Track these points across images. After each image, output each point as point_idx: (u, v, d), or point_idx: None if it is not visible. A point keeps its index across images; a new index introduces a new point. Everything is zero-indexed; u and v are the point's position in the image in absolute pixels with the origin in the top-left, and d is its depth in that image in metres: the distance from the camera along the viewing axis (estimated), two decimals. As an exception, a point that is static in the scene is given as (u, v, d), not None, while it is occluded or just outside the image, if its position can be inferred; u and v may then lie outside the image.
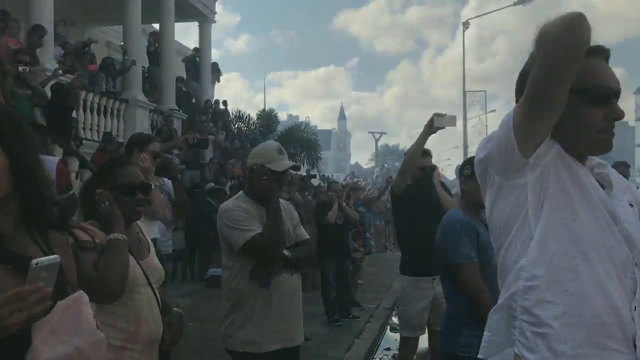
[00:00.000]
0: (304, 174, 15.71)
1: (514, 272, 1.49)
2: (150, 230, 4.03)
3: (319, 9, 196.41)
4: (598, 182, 1.53)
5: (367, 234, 10.22)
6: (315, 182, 15.21)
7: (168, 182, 4.52)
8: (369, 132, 41.56)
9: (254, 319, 2.92)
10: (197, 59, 16.07)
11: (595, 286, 1.42)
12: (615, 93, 1.50)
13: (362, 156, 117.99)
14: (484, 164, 1.55)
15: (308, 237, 3.24)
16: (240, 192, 3.21)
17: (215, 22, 17.24)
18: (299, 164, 17.36)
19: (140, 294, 2.16)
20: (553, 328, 1.42)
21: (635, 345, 1.44)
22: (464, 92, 24.52)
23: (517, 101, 1.50)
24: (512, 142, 1.43)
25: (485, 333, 1.58)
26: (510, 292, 1.49)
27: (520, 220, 1.48)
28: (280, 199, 3.18)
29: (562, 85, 1.37)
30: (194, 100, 15.36)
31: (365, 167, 73.23)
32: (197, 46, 16.56)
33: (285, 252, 2.97)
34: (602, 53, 1.53)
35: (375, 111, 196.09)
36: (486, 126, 32.48)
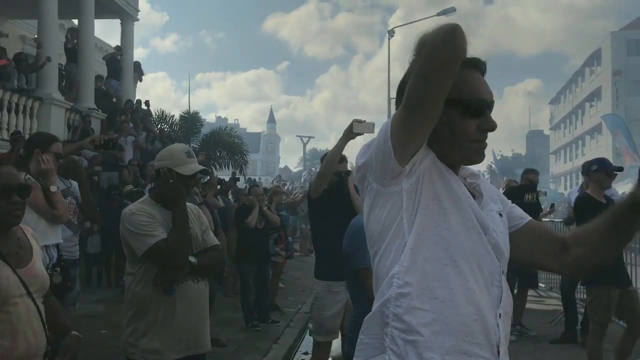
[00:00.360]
0: (229, 177, 15.57)
1: (387, 279, 1.49)
2: (52, 235, 3.87)
3: (248, 12, 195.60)
4: (470, 191, 1.56)
5: (290, 238, 10.21)
6: (241, 185, 15.09)
7: (75, 185, 4.34)
8: (297, 135, 41.68)
9: (157, 327, 2.83)
10: (119, 57, 15.59)
11: (464, 294, 1.44)
12: (489, 105, 1.53)
13: (291, 159, 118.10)
14: (363, 170, 1.55)
15: (217, 242, 3.18)
16: (146, 196, 3.13)
17: (138, 20, 16.79)
18: (211, 167, 17.16)
19: (17, 305, 2.03)
20: (422, 335, 1.43)
21: (499, 352, 1.47)
22: (389, 99, 24.94)
23: (396, 109, 1.51)
24: (389, 150, 1.44)
25: (360, 337, 1.58)
26: (383, 299, 1.49)
27: (394, 227, 1.49)
28: (189, 204, 3.12)
29: (437, 95, 1.38)
30: (114, 100, 14.88)
31: (294, 170, 73.33)
32: (119, 44, 16.07)
33: (191, 259, 2.91)
34: (478, 66, 1.54)
35: (305, 115, 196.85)
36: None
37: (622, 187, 13.26)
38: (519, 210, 1.71)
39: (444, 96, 1.39)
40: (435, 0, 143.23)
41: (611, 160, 5.98)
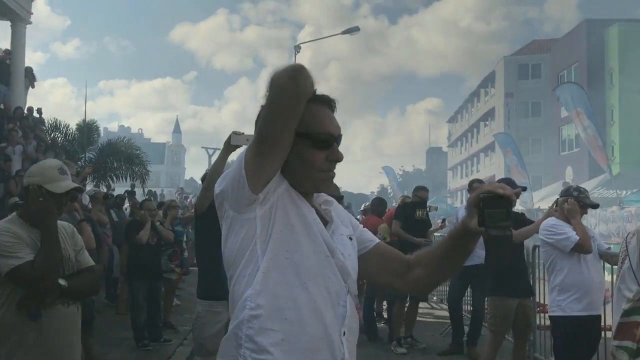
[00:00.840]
0: (128, 189, 15.00)
1: (241, 302, 1.57)
2: None
3: (155, 20, 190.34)
4: (323, 217, 1.69)
5: (186, 253, 9.97)
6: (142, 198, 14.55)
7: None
8: (203, 147, 40.93)
9: (21, 354, 2.66)
10: (8, 61, 14.69)
11: (311, 314, 1.55)
12: (336, 138, 1.65)
13: (198, 171, 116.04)
14: (220, 198, 1.63)
15: (92, 263, 3.04)
16: (14, 214, 2.94)
17: (31, 22, 15.92)
18: (107, 179, 16.52)
19: None
20: (272, 354, 1.51)
21: None
22: (295, 113, 25.18)
23: None
24: (243, 179, 1.53)
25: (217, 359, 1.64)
26: (237, 321, 1.57)
27: (249, 253, 1.57)
28: (62, 222, 2.97)
29: (285, 130, 1.49)
30: (1, 107, 13.98)
31: (200, 183, 72.00)
32: (9, 48, 15.16)
33: (61, 281, 2.76)
34: (327, 102, 1.66)
35: (213, 126, 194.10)
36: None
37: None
38: (368, 234, 1.86)
39: (292, 130, 1.51)
40: (343, 18, 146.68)
41: (502, 176, 6.41)
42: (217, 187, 1.64)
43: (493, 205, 1.52)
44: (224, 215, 1.63)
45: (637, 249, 3.53)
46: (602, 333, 4.76)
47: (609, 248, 4.79)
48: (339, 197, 5.32)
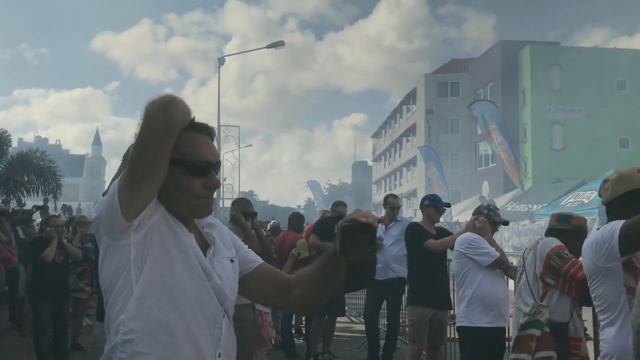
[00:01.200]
0: (38, 204, 14.29)
1: (114, 326, 1.60)
2: None
3: (75, 29, 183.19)
4: (206, 240, 1.74)
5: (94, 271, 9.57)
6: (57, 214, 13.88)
7: None
8: (123, 160, 39.50)
9: None
10: None
11: (185, 337, 1.59)
12: (214, 165, 1.68)
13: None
14: (97, 223, 1.64)
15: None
16: None
17: None
18: (17, 194, 15.74)
19: None
20: None
21: None
22: (219, 126, 25.04)
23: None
24: (116, 206, 1.54)
25: None
26: (111, 345, 1.60)
27: (123, 278, 1.59)
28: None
29: (156, 158, 1.51)
30: None
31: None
32: None
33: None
34: (206, 130, 1.69)
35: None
36: (239, 160, 33.63)
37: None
38: (253, 255, 1.90)
39: (164, 159, 1.53)
40: (269, 31, 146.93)
41: (423, 190, 6.68)
42: (94, 213, 1.66)
43: (355, 233, 1.57)
44: (100, 241, 1.64)
45: (533, 264, 3.68)
46: (507, 344, 4.94)
47: (512, 263, 4.99)
48: (253, 214, 5.27)
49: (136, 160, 1.52)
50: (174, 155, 1.56)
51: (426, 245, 5.65)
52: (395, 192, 52.25)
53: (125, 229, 1.56)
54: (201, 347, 1.60)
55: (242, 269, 1.83)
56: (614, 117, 31.71)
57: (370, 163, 75.25)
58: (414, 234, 5.91)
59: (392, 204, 7.20)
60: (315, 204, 51.56)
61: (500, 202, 22.69)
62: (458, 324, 4.85)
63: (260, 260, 1.89)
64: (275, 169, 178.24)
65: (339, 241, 1.61)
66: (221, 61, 24.66)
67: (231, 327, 1.72)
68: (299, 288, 1.82)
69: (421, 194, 31.07)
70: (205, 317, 1.62)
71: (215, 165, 1.69)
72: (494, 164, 34.18)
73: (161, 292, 1.58)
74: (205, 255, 1.69)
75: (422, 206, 6.00)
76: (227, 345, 1.68)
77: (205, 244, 1.73)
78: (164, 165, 1.54)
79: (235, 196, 26.28)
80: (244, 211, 5.01)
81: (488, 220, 4.85)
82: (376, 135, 68.20)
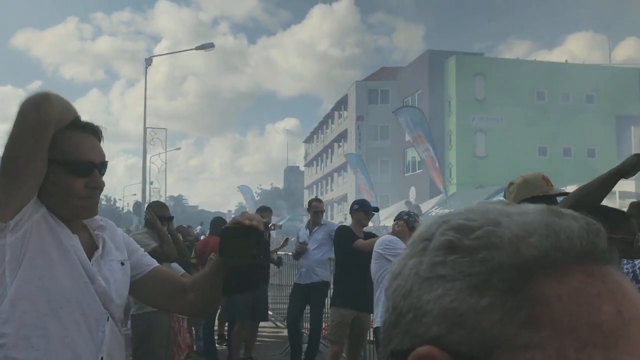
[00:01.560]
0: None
1: None
2: None
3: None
4: (95, 241, 1.71)
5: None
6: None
7: None
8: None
9: None
10: None
11: (62, 341, 1.55)
12: (97, 165, 1.65)
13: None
14: None
15: None
16: None
17: None
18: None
19: None
20: None
21: None
22: (145, 129, 24.47)
23: None
24: None
25: None
26: None
27: None
28: None
29: (30, 156, 1.48)
30: None
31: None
32: None
33: None
34: (91, 129, 1.66)
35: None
36: (165, 163, 33.02)
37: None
38: (147, 258, 1.87)
39: (38, 157, 1.49)
40: (201, 34, 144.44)
41: (354, 195, 6.82)
42: None
43: (238, 236, 1.55)
44: None
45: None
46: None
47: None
48: (169, 218, 5.14)
49: (9, 159, 1.49)
50: (53, 155, 1.53)
51: (355, 245, 5.75)
52: (327, 197, 52.85)
53: (1, 230, 1.52)
54: (79, 352, 1.57)
55: (136, 272, 1.80)
56: (534, 126, 33.26)
57: (302, 168, 75.50)
58: (343, 236, 6.00)
59: (316, 207, 7.23)
60: (247, 209, 51.19)
61: (425, 207, 23.33)
62: (375, 325, 4.94)
63: (154, 264, 1.86)
64: (205, 173, 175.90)
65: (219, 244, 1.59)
66: (149, 62, 24.07)
67: (117, 330, 1.69)
68: (192, 292, 1.79)
69: (351, 199, 31.37)
70: (87, 320, 1.59)
71: (100, 165, 1.65)
72: (421, 170, 35.08)
73: (38, 294, 1.53)
74: (92, 257, 1.65)
75: (352, 210, 6.11)
76: (110, 349, 1.65)
77: (94, 246, 1.70)
78: (40, 165, 1.51)
79: (163, 201, 25.74)
80: (159, 215, 4.89)
81: (407, 225, 5.04)
82: (308, 140, 68.53)
